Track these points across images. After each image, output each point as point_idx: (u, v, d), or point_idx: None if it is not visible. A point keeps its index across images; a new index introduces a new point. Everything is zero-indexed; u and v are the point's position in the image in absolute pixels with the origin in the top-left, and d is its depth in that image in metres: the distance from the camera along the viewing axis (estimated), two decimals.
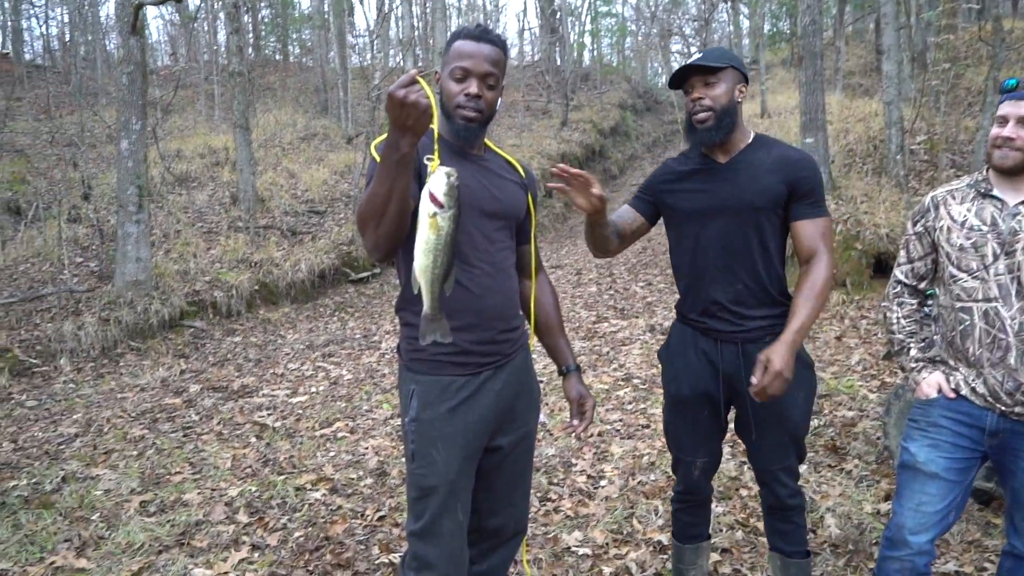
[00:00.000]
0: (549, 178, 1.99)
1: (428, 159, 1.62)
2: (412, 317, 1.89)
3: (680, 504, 2.40)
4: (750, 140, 2.15)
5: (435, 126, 1.70)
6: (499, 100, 1.89)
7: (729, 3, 19.13)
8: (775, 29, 21.59)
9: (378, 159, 1.78)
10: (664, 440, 2.46)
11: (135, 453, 4.32)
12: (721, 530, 3.06)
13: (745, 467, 3.59)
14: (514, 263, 2.00)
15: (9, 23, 20.11)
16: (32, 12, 22.04)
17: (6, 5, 20.00)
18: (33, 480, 3.92)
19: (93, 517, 3.44)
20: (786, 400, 2.04)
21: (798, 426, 2.15)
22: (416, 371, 1.91)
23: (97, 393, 5.63)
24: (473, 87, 1.81)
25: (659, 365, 2.36)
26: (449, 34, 1.92)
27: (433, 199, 1.56)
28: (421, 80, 1.54)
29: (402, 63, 14.01)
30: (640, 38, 29.50)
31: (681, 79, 2.12)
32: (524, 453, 2.07)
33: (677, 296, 2.30)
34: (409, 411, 1.90)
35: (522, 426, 2.01)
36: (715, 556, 2.83)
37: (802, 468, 3.59)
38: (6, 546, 3.13)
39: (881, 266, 7.35)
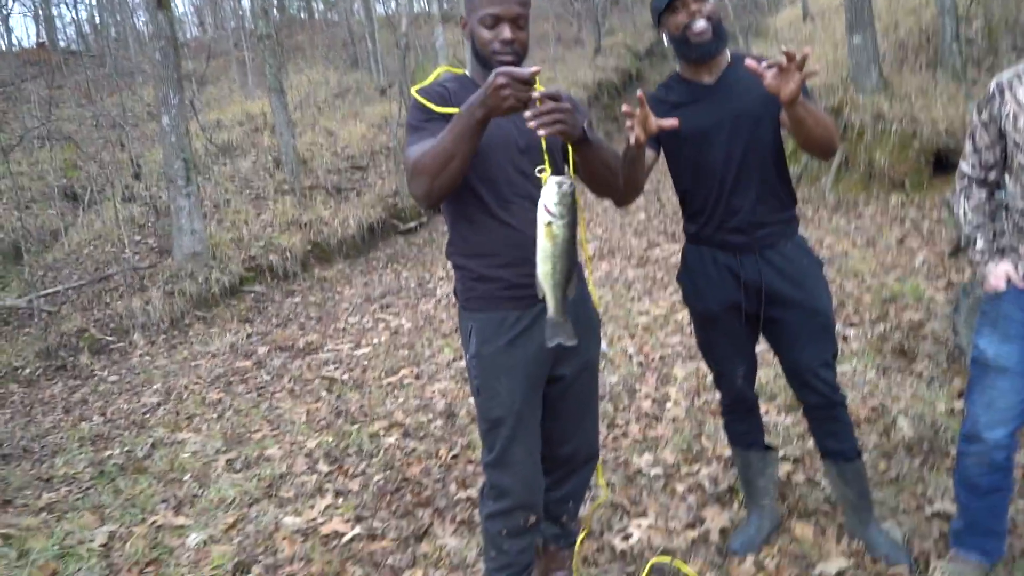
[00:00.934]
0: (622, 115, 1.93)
1: (540, 170, 1.67)
2: (461, 259, 1.96)
3: (731, 415, 2.47)
4: (730, 59, 2.17)
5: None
6: (528, 35, 1.90)
7: None
8: None
9: (424, 102, 1.86)
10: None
11: (215, 416, 4.52)
12: (792, 440, 3.07)
13: None
14: None
15: (41, 12, 20.41)
16: None
17: None
18: (126, 448, 4.15)
19: (185, 478, 3.64)
20: (813, 292, 2.16)
21: (828, 316, 2.20)
22: (472, 309, 1.96)
23: (172, 363, 5.88)
24: (507, 32, 1.81)
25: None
26: None
27: (547, 210, 1.60)
28: (538, 83, 1.58)
29: (427, 7, 13.80)
30: None
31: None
32: (588, 380, 2.09)
33: (687, 222, 2.32)
34: (470, 348, 1.97)
35: (583, 353, 2.02)
36: (787, 466, 2.85)
37: (870, 375, 3.57)
38: (111, 510, 3.34)
39: (942, 163, 7.07)
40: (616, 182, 1.94)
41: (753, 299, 2.19)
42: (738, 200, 2.14)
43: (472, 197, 1.90)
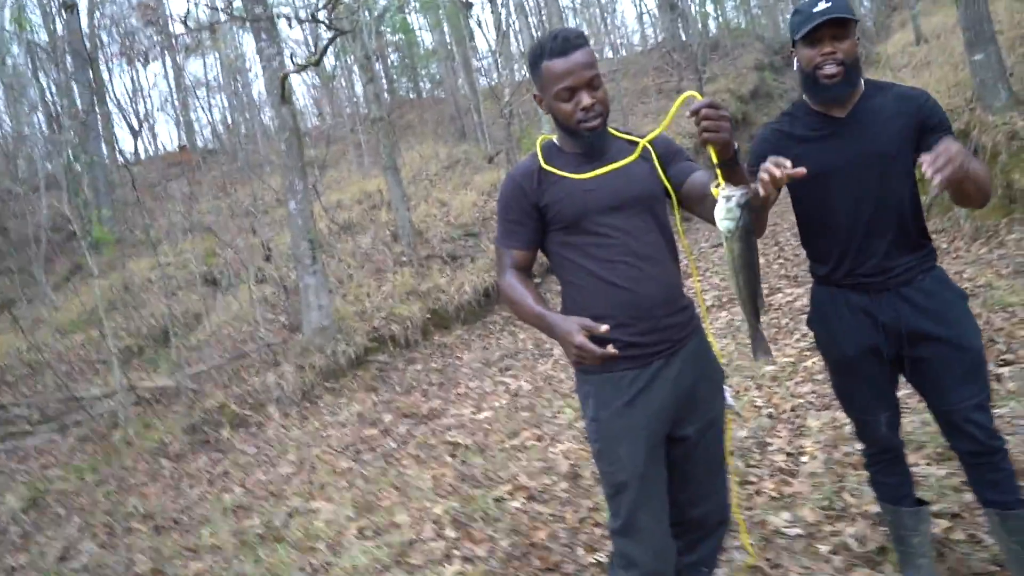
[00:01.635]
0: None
1: (715, 185, 1.64)
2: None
3: (877, 466, 2.30)
4: (863, 88, 2.07)
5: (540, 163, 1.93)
6: (606, 89, 1.91)
7: None
8: None
9: (509, 199, 1.98)
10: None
11: (345, 484, 4.65)
12: (946, 494, 2.81)
13: None
14: (665, 243, 1.95)
15: (180, 117, 22.54)
16: (198, 104, 24.60)
17: (175, 103, 22.45)
18: (264, 519, 4.33)
19: (319, 546, 3.74)
20: (959, 326, 2.02)
21: (978, 353, 2.03)
22: (588, 371, 1.94)
23: (304, 434, 6.13)
24: (585, 99, 1.83)
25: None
26: (529, 53, 1.91)
27: (720, 226, 1.61)
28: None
29: (527, 74, 14.24)
30: None
31: (810, 32, 1.99)
32: (714, 439, 2.03)
33: (814, 263, 2.22)
34: (588, 411, 1.96)
35: (707, 412, 1.98)
36: (944, 522, 2.61)
37: (1003, 410, 3.24)
38: None
39: None
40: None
41: (893, 340, 2.06)
42: (870, 245, 2.04)
43: (573, 264, 1.93)
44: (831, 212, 2.07)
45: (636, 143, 1.99)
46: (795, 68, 2.09)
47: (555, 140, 2.01)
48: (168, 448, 6.34)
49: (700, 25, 23.04)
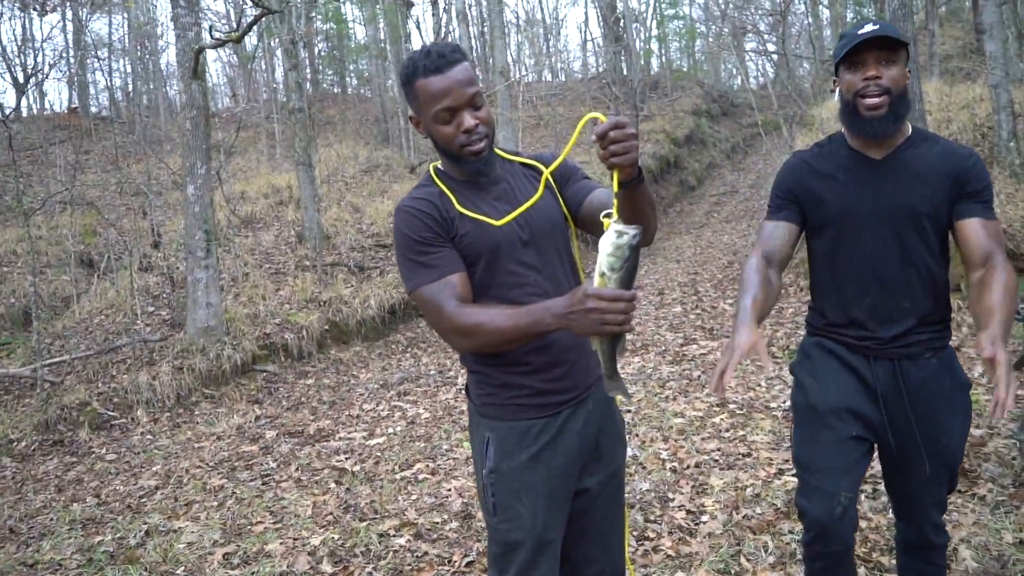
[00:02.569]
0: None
1: (605, 215, 1.52)
2: (479, 366, 1.85)
3: (820, 561, 2.02)
4: (909, 133, 1.96)
5: (441, 185, 1.78)
6: (489, 107, 1.80)
7: None
8: (858, 16, 21.06)
9: (415, 236, 1.73)
10: (793, 466, 2.12)
11: (215, 504, 4.46)
12: None
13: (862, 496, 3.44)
14: (575, 284, 1.85)
15: (75, 78, 21.48)
16: (96, 66, 23.50)
17: (72, 61, 21.38)
18: (118, 535, 4.09)
19: (178, 572, 3.56)
20: (945, 424, 1.94)
21: (956, 455, 1.99)
22: (490, 416, 1.84)
23: (174, 443, 5.86)
24: (467, 120, 1.71)
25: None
26: (402, 71, 1.77)
27: (601, 261, 1.50)
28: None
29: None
30: (711, 39, 29.26)
31: (851, 52, 1.88)
32: (614, 493, 1.97)
33: (802, 310, 2.18)
34: (486, 461, 1.83)
35: (609, 463, 1.92)
36: None
37: None
38: None
39: None
40: (654, 225, 1.75)
41: (879, 413, 1.96)
42: (884, 306, 1.94)
43: (488, 302, 1.78)
44: (847, 261, 1.97)
45: (531, 166, 1.92)
46: (835, 97, 1.97)
47: (440, 166, 1.89)
48: (13, 446, 5.94)
49: (643, 61, 23.79)
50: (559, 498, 1.83)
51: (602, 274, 1.48)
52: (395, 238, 1.79)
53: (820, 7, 20.47)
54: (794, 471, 2.12)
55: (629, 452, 2.01)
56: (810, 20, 23.61)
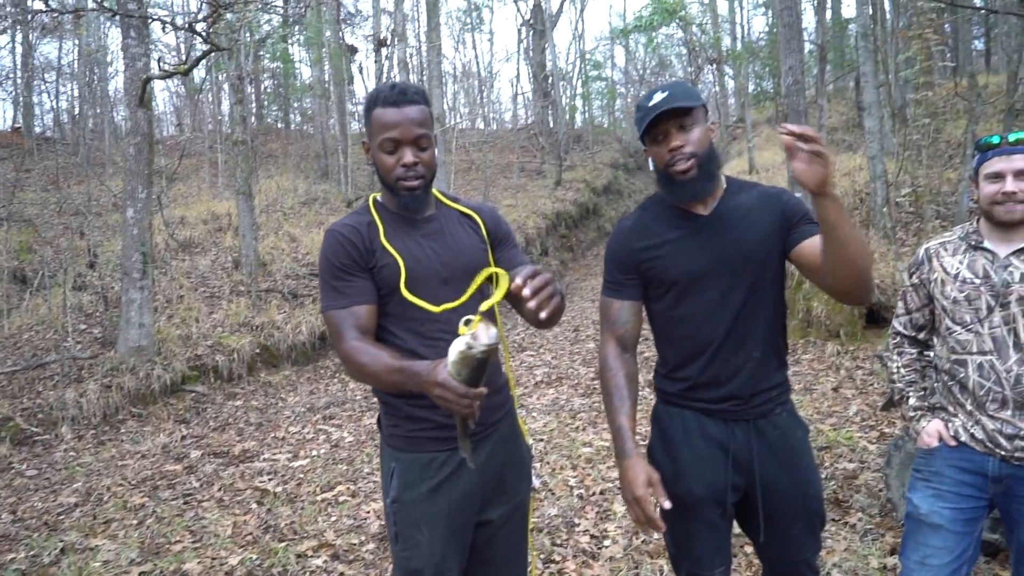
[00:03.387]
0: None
1: (465, 322, 1.42)
2: (386, 396, 1.81)
3: None
4: (725, 185, 1.88)
5: (378, 220, 1.76)
6: (435, 153, 1.77)
7: (714, 65, 19.61)
8: (759, 88, 22.05)
9: (335, 262, 1.72)
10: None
11: (135, 522, 4.23)
12: None
13: None
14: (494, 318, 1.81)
15: (21, 98, 20.50)
16: (43, 87, 22.51)
17: (18, 81, 20.43)
18: (31, 552, 3.83)
19: None
20: (808, 475, 1.87)
21: (821, 501, 1.91)
22: (396, 447, 1.81)
23: (98, 461, 5.54)
24: (408, 156, 1.71)
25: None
26: (366, 98, 1.77)
27: (446, 364, 1.41)
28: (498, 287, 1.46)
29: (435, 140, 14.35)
30: (630, 100, 30.14)
31: (649, 127, 1.77)
32: (518, 525, 1.93)
33: (664, 378, 1.96)
34: (390, 491, 1.81)
35: (513, 497, 1.89)
36: None
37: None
38: None
39: (873, 316, 7.34)
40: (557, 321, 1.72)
41: (742, 481, 1.85)
42: (737, 359, 1.81)
43: (395, 338, 1.76)
44: (691, 321, 1.83)
45: (468, 215, 1.90)
46: (651, 168, 1.85)
47: (379, 197, 1.88)
48: None
49: (568, 116, 24.28)
50: (458, 529, 1.79)
51: (450, 373, 1.40)
52: (319, 259, 1.77)
53: (726, 77, 21.37)
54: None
55: (536, 482, 1.97)
56: (717, 88, 24.61)
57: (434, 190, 1.92)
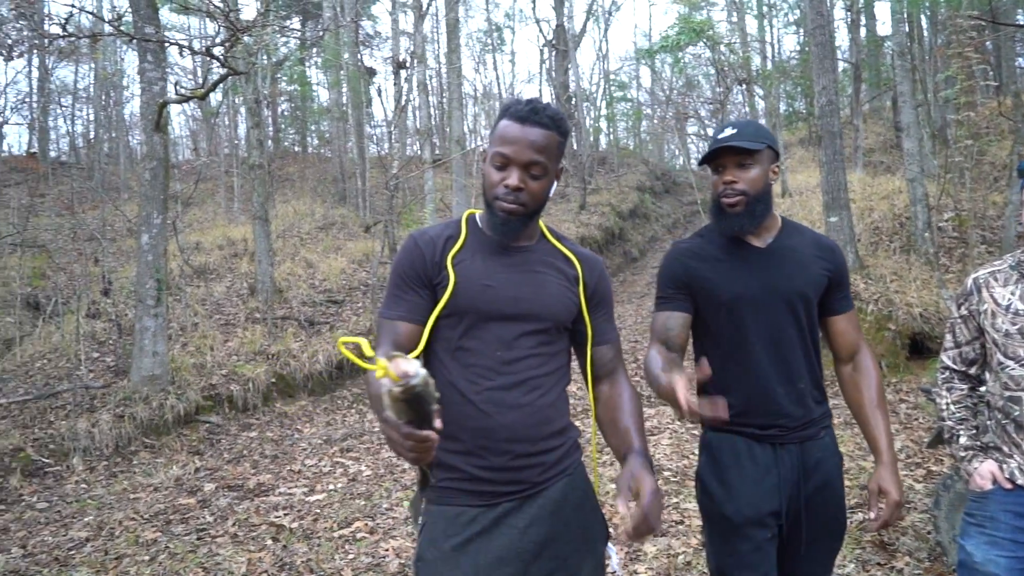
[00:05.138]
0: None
1: (391, 355, 1.23)
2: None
3: None
4: (780, 225, 2.04)
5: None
6: (552, 186, 1.68)
7: (744, 86, 19.66)
8: (791, 109, 22.06)
9: (402, 271, 1.68)
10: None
11: (147, 558, 4.24)
12: None
13: None
14: (550, 372, 1.69)
15: (36, 123, 21.04)
16: (59, 112, 23.09)
17: (34, 106, 20.97)
18: None
19: None
20: (840, 500, 2.00)
21: (844, 528, 2.04)
22: (428, 499, 1.67)
23: (109, 494, 5.58)
24: (514, 179, 1.60)
25: (691, 456, 2.18)
26: (502, 105, 1.72)
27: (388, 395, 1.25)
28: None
29: (420, 151, 14.41)
30: (656, 121, 30.26)
31: (711, 156, 1.96)
32: None
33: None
34: (417, 546, 1.67)
35: (571, 574, 1.64)
36: None
37: (848, 567, 3.46)
38: None
39: (917, 346, 7.24)
40: None
41: (791, 504, 1.93)
42: (784, 389, 1.93)
43: (440, 365, 1.64)
44: (745, 346, 1.94)
45: (569, 258, 1.78)
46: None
47: (478, 215, 1.79)
48: None
49: (592, 138, 24.43)
50: None
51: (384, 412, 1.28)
52: (393, 261, 1.73)
53: (756, 98, 21.43)
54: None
55: (616, 566, 1.71)
56: (747, 109, 24.67)
57: (542, 224, 1.81)
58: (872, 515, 1.88)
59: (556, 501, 1.65)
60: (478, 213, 1.78)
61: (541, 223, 1.80)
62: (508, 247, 1.71)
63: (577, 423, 1.78)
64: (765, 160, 1.93)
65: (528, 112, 1.61)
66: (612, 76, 27.66)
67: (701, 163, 2.01)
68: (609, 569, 1.72)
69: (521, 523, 1.61)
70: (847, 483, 4.53)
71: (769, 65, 20.49)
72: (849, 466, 4.93)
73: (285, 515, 4.85)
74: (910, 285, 7.83)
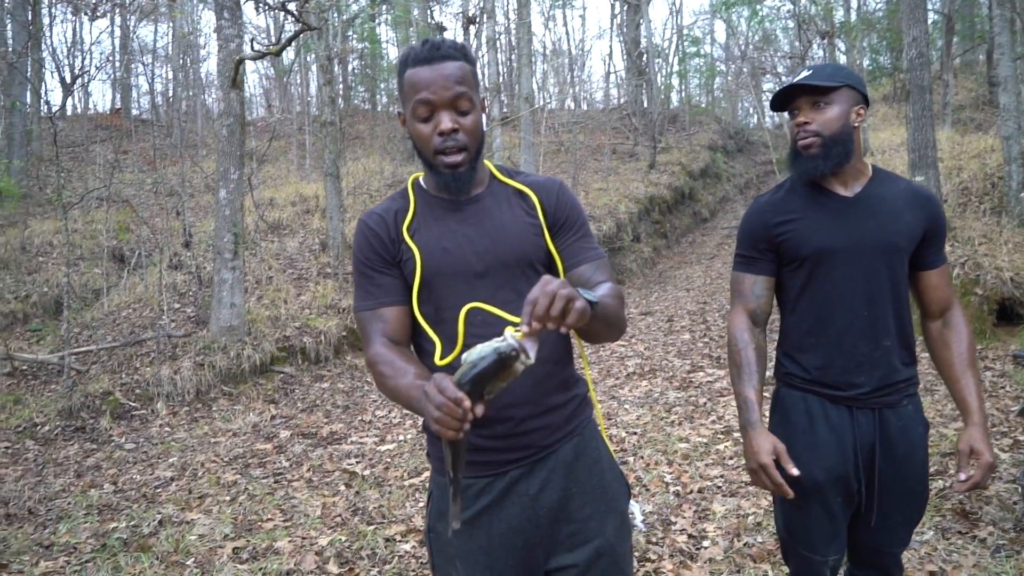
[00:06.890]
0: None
1: (514, 329, 1.23)
2: None
3: None
4: (870, 173, 1.91)
5: (418, 259, 1.52)
6: (483, 119, 1.54)
7: (825, 39, 18.81)
8: (875, 64, 21.05)
9: (363, 255, 1.57)
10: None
11: (228, 498, 4.43)
12: None
13: None
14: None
15: (119, 82, 21.74)
16: (140, 70, 23.80)
17: (117, 64, 21.66)
18: (132, 523, 4.07)
19: (188, 562, 3.53)
20: (920, 472, 1.90)
21: (925, 503, 1.95)
22: (434, 468, 1.61)
23: (191, 437, 5.84)
24: (445, 121, 1.47)
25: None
26: (397, 61, 1.55)
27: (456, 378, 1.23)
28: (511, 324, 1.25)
29: (488, 108, 14.40)
30: (730, 78, 29.33)
31: (786, 99, 1.86)
32: (608, 572, 1.57)
33: (790, 361, 1.97)
34: (427, 518, 1.63)
35: (592, 537, 1.56)
36: None
37: (927, 535, 3.36)
38: None
39: (1006, 312, 6.91)
40: (615, 335, 1.51)
41: (864, 470, 1.87)
42: (868, 345, 1.83)
43: (425, 342, 1.56)
44: (823, 299, 1.86)
45: (524, 194, 1.62)
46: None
47: (421, 179, 1.66)
48: (37, 430, 5.94)
49: (663, 96, 23.86)
50: (504, 571, 1.53)
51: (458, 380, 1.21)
52: (353, 252, 1.62)
53: (838, 52, 20.51)
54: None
55: (638, 520, 1.67)
56: None
57: (490, 163, 1.67)
58: (963, 476, 1.77)
59: (567, 463, 1.57)
60: (422, 176, 1.66)
61: (490, 164, 1.67)
62: (458, 202, 1.59)
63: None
64: (844, 100, 1.81)
65: (430, 51, 1.48)
66: (685, 31, 26.84)
67: (774, 107, 1.90)
68: (634, 525, 1.66)
69: (532, 489, 1.54)
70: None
71: (853, 17, 19.50)
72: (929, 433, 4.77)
73: (357, 463, 4.99)
74: (1000, 248, 7.45)
